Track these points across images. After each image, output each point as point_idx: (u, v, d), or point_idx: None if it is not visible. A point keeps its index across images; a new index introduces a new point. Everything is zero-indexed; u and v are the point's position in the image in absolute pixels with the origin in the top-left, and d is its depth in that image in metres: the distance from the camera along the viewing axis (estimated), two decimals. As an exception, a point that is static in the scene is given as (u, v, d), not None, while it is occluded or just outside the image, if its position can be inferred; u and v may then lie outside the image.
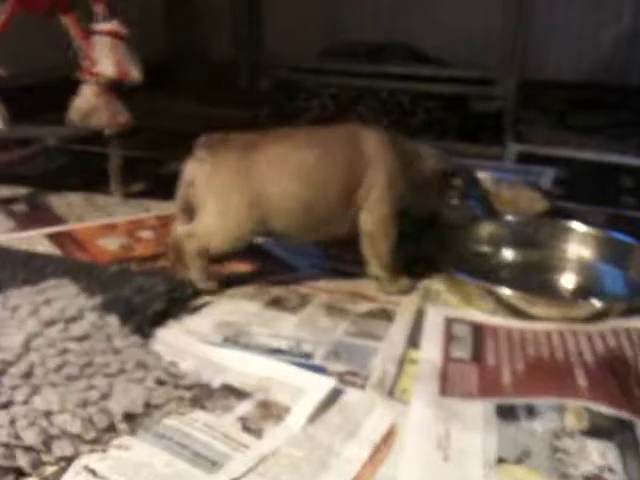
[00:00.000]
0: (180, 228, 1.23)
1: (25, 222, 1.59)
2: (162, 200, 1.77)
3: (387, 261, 1.27)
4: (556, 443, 0.83)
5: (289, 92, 2.78)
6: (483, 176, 1.80)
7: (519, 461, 0.80)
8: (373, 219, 1.24)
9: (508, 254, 1.44)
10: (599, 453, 0.81)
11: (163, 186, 1.91)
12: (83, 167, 2.10)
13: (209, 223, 1.19)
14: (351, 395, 0.93)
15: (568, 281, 1.35)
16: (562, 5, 2.91)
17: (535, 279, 1.37)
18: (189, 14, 3.39)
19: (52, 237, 1.49)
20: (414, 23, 2.99)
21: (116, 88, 1.69)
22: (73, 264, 1.27)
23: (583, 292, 1.31)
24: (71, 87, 1.68)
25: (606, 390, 0.93)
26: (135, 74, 1.63)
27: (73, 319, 1.00)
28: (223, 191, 1.18)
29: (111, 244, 1.46)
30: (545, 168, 2.14)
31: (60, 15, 1.61)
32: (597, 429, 0.85)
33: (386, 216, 1.25)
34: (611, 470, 0.79)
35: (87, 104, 1.65)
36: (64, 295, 1.07)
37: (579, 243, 1.41)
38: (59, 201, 1.74)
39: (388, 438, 0.85)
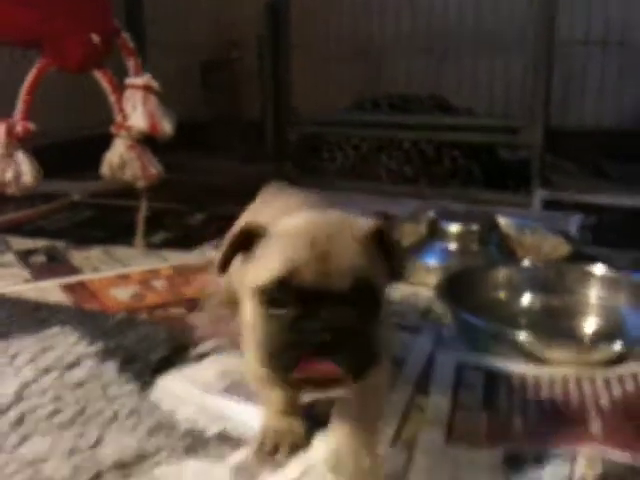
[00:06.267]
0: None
1: (41, 273, 1.60)
2: (181, 250, 1.78)
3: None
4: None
5: (314, 146, 2.79)
6: (505, 222, 1.77)
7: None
8: None
9: (527, 299, 1.39)
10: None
11: (184, 237, 1.93)
12: (106, 220, 2.12)
13: None
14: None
15: (590, 326, 1.30)
16: (586, 53, 2.90)
17: (556, 325, 1.32)
18: (223, 77, 3.48)
19: (65, 287, 1.49)
20: (437, 75, 3.00)
21: (150, 144, 1.71)
22: (79, 313, 1.26)
23: (606, 337, 1.26)
24: (97, 144, 1.71)
25: (621, 437, 0.87)
26: (167, 128, 1.64)
27: (70, 366, 0.99)
28: None
29: (123, 294, 1.45)
30: (571, 215, 2.10)
31: (92, 71, 1.63)
32: (611, 477, 0.80)
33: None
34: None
35: (120, 157, 1.66)
36: (64, 343, 1.06)
37: (601, 287, 1.36)
38: (77, 253, 1.75)
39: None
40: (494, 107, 2.94)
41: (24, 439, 0.84)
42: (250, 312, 0.74)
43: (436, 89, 2.86)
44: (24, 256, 1.72)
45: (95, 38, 1.51)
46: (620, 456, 0.83)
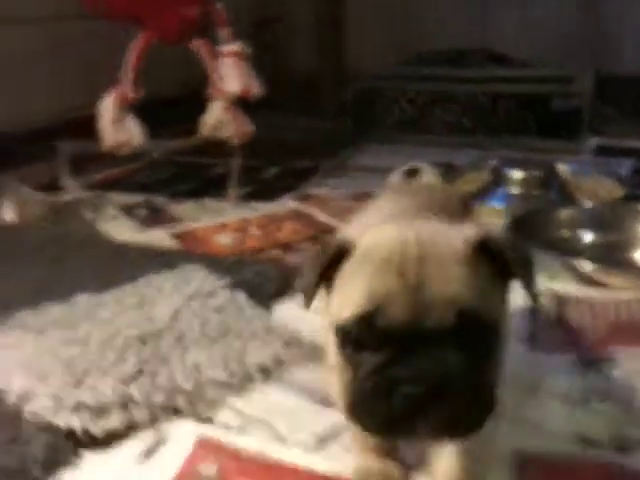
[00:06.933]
0: None
1: (147, 223, 1.80)
2: (265, 201, 1.97)
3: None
4: (634, 384, 0.96)
5: (370, 100, 2.93)
6: (563, 168, 1.92)
7: (602, 400, 0.93)
8: None
9: (587, 237, 1.55)
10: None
11: (263, 189, 2.11)
12: (188, 177, 2.31)
13: None
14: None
15: (645, 257, 1.47)
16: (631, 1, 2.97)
17: (613, 258, 1.48)
18: (277, 34, 3.59)
19: (174, 235, 1.69)
20: (491, 27, 3.10)
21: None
22: (197, 256, 1.46)
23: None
24: (168, 105, 1.86)
25: None
26: (256, 90, 1.82)
27: (208, 295, 1.18)
28: None
29: (225, 240, 1.65)
30: (623, 160, 2.23)
31: (191, 41, 1.81)
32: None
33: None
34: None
35: (217, 119, 1.86)
36: (197, 277, 1.25)
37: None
38: (174, 206, 1.94)
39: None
40: (548, 56, 3.03)
41: (185, 351, 1.04)
42: (333, 350, 0.63)
43: (489, 40, 2.96)
44: (127, 210, 1.92)
45: (192, 10, 1.68)
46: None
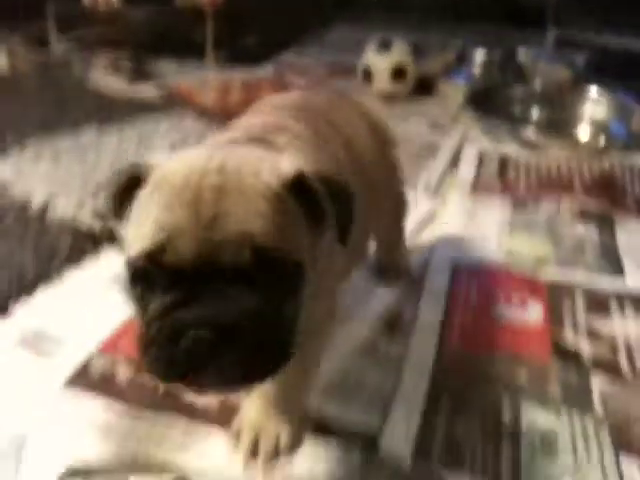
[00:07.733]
0: None
1: (133, 77, 1.93)
2: (246, 66, 2.11)
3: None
4: (553, 222, 1.18)
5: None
6: (522, 54, 2.09)
7: (526, 232, 1.15)
8: None
9: (535, 112, 1.74)
10: (584, 228, 1.16)
11: (245, 55, 2.24)
12: (167, 39, 2.39)
13: None
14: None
15: (584, 132, 1.66)
16: None
17: (557, 131, 1.67)
18: None
19: (159, 87, 1.84)
20: None
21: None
22: (186, 105, 1.61)
23: (595, 139, 1.62)
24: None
25: (596, 193, 1.27)
26: None
27: (202, 135, 1.35)
28: None
29: (208, 95, 1.80)
30: (579, 52, 2.40)
31: None
32: (585, 216, 1.20)
33: None
34: (591, 239, 1.13)
35: None
36: (189, 120, 1.41)
37: (594, 104, 1.71)
38: (156, 63, 2.08)
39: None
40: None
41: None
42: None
43: None
44: (112, 65, 2.03)
45: None
46: (593, 204, 1.24)
